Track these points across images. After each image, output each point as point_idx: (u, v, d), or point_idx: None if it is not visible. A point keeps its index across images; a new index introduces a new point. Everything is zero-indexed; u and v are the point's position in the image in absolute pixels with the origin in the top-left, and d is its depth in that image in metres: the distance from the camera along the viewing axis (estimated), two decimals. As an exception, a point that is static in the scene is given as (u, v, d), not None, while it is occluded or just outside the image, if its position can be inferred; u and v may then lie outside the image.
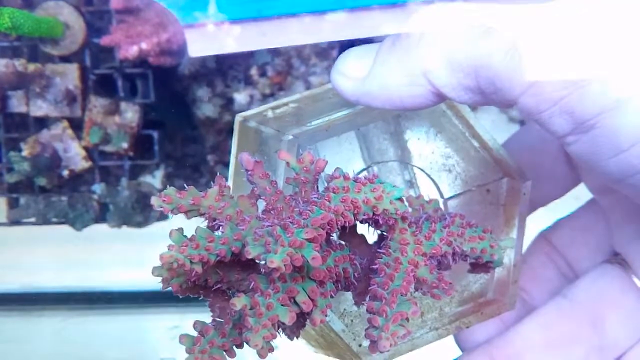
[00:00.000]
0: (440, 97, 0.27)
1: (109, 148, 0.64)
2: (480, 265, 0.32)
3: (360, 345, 0.34)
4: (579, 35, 0.24)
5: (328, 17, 0.37)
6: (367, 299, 0.28)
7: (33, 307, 0.83)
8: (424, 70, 0.26)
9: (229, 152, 0.33)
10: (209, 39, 0.37)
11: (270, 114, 0.34)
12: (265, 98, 0.68)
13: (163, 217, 0.69)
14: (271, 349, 0.26)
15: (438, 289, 0.29)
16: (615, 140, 0.24)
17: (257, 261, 0.26)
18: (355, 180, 0.28)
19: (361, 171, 0.38)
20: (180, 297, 0.28)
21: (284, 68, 0.67)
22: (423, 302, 0.35)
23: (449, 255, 0.30)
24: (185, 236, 0.27)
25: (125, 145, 0.64)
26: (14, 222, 0.66)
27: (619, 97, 0.23)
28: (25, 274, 0.83)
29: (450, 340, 0.37)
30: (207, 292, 0.29)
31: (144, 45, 0.59)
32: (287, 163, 0.29)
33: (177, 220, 0.82)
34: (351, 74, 0.28)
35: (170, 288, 0.28)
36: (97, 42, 0.61)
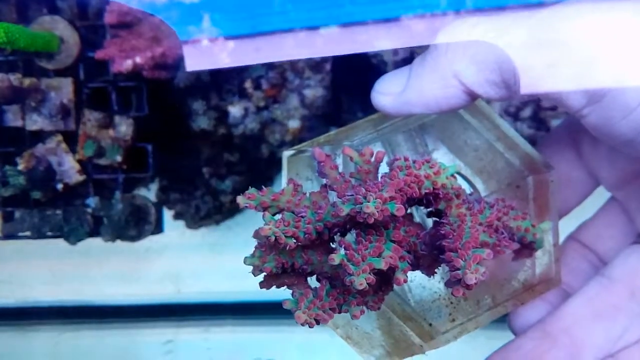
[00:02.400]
0: (471, 96, 0.31)
1: (103, 161, 0.64)
2: (524, 248, 0.35)
3: (430, 325, 0.38)
4: (581, 21, 0.28)
5: (322, 32, 0.37)
6: (439, 265, 0.33)
7: (27, 322, 0.83)
8: (454, 72, 0.30)
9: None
10: (204, 53, 0.37)
11: (315, 144, 0.38)
12: (259, 111, 0.68)
13: (157, 230, 0.69)
14: (363, 312, 0.31)
15: (500, 246, 0.33)
16: (624, 103, 0.28)
17: (334, 243, 0.32)
18: (414, 160, 0.31)
19: None
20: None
21: (278, 81, 0.67)
22: (476, 291, 0.39)
23: (500, 229, 0.34)
24: (275, 218, 0.31)
25: (119, 158, 0.64)
26: (9, 235, 0.65)
27: (623, 66, 0.27)
28: (20, 288, 0.82)
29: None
30: (290, 278, 0.33)
31: (138, 59, 0.59)
32: (351, 157, 0.33)
33: (172, 234, 0.82)
34: (390, 91, 0.33)
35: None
36: (92, 56, 0.61)
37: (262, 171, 0.80)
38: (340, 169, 0.36)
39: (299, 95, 0.68)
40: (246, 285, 0.79)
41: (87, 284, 0.82)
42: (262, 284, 0.33)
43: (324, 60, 0.67)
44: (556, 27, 0.28)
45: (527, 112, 0.63)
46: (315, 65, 0.67)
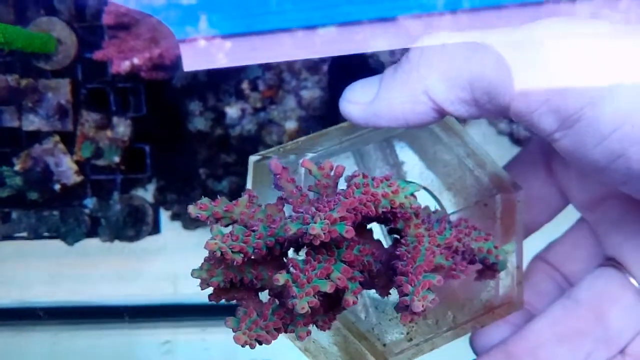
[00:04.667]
0: (440, 113, 0.30)
1: (100, 162, 0.64)
2: (487, 269, 0.34)
3: (384, 346, 0.37)
4: (557, 43, 0.28)
5: (319, 32, 0.37)
6: (393, 286, 0.31)
7: (25, 322, 0.83)
8: (425, 89, 0.30)
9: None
10: (201, 54, 0.38)
11: (281, 150, 0.37)
12: (256, 112, 0.69)
13: (154, 231, 0.69)
14: (309, 333, 0.30)
15: (456, 270, 0.32)
16: (598, 129, 0.27)
17: (284, 257, 0.30)
18: (373, 178, 0.30)
19: None
20: (215, 303, 0.31)
21: (275, 82, 0.67)
22: (437, 311, 0.38)
23: (460, 251, 0.33)
24: (224, 231, 0.29)
25: (117, 159, 0.64)
26: (6, 236, 0.66)
27: (597, 93, 0.27)
28: (17, 288, 0.82)
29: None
30: (240, 292, 0.31)
31: (136, 60, 0.59)
32: (310, 171, 0.32)
33: (169, 235, 0.82)
34: (359, 100, 0.32)
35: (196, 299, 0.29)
36: (89, 57, 0.62)
37: (259, 172, 0.80)
38: (302, 181, 0.35)
39: (295, 97, 0.68)
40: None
41: (84, 285, 0.82)
42: (211, 297, 0.31)
43: (321, 61, 0.67)
44: (531, 47, 0.28)
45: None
46: (312, 66, 0.67)
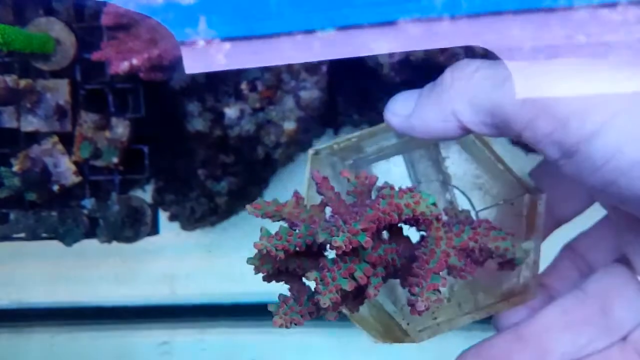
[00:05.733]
0: (466, 131, 0.36)
1: (99, 163, 0.64)
2: (506, 263, 0.39)
3: (408, 324, 0.42)
4: (562, 84, 0.32)
5: (319, 35, 0.37)
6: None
7: (23, 323, 0.83)
8: (453, 110, 0.35)
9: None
10: (202, 56, 0.38)
11: (335, 147, 0.44)
12: (255, 112, 0.69)
13: (153, 232, 0.69)
14: (336, 316, 0.35)
15: (465, 271, 0.37)
16: (592, 161, 0.32)
17: (324, 251, 0.36)
18: (399, 189, 0.35)
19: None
20: (267, 282, 0.37)
21: (274, 83, 0.67)
22: (461, 296, 0.44)
23: (476, 250, 0.37)
24: (271, 233, 0.35)
25: (115, 160, 0.64)
26: (4, 237, 0.65)
27: (591, 129, 0.31)
28: (15, 289, 0.82)
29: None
30: (287, 277, 0.37)
31: (135, 61, 0.59)
32: (348, 179, 0.38)
33: (168, 235, 0.82)
34: (399, 113, 0.38)
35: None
36: (88, 57, 0.61)
37: (258, 172, 0.80)
38: (342, 187, 0.40)
39: (294, 97, 0.68)
40: (241, 287, 0.79)
41: (82, 285, 0.82)
42: (264, 279, 0.37)
43: (320, 62, 0.67)
44: (542, 85, 0.33)
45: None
46: (312, 67, 0.67)
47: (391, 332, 0.42)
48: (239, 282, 0.78)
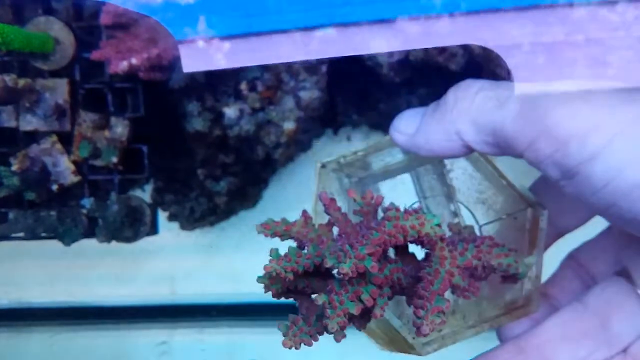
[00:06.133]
0: (469, 149, 0.37)
1: (98, 162, 0.64)
2: (509, 277, 0.40)
3: (414, 338, 0.43)
4: (564, 106, 0.33)
5: (318, 33, 0.37)
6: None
7: (22, 323, 0.83)
8: (457, 130, 0.36)
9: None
10: (201, 55, 0.38)
11: (342, 161, 0.45)
12: (255, 112, 0.69)
13: (152, 232, 0.69)
14: (344, 336, 0.36)
15: (468, 291, 0.38)
16: (592, 183, 0.33)
17: (332, 271, 0.36)
18: (405, 211, 0.36)
19: (412, 204, 0.48)
20: (276, 299, 0.37)
21: (273, 83, 0.67)
22: (466, 308, 0.44)
23: (480, 268, 0.38)
24: (280, 254, 0.36)
25: (114, 159, 0.64)
26: (3, 237, 0.65)
27: (591, 152, 0.32)
28: (14, 289, 0.82)
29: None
30: (296, 295, 0.38)
31: (134, 60, 0.59)
32: (354, 199, 0.39)
33: (167, 235, 0.82)
34: (404, 131, 0.39)
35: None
36: (87, 57, 0.61)
37: (257, 172, 0.80)
38: (348, 201, 0.42)
39: (294, 97, 0.68)
40: (240, 287, 0.79)
41: (81, 285, 0.82)
42: (273, 296, 0.37)
43: (319, 62, 0.67)
44: (543, 106, 0.33)
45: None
46: (311, 67, 0.67)
47: (396, 342, 0.43)
48: (238, 282, 0.78)
